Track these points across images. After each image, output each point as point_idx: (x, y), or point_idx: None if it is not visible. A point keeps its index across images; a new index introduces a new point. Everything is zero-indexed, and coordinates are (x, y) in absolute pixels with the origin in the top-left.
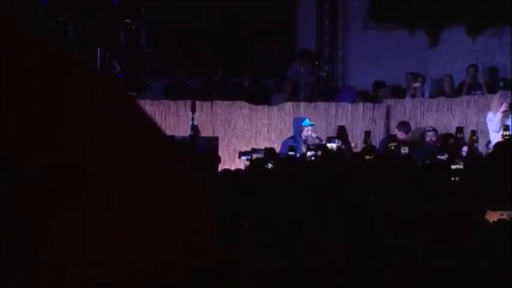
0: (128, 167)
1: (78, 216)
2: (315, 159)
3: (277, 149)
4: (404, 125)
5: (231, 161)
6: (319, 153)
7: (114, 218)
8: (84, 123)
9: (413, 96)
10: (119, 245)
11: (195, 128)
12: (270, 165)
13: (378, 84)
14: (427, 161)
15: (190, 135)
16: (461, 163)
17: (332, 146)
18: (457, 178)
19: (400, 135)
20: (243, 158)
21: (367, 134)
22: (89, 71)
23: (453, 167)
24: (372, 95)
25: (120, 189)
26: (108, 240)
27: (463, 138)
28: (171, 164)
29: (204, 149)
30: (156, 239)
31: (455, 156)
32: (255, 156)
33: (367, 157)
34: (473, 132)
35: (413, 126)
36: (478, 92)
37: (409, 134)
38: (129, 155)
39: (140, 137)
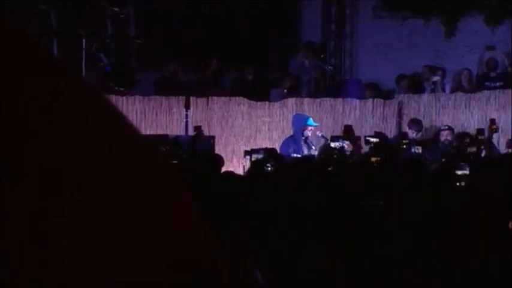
0: (108, 170)
1: (60, 221)
2: (318, 161)
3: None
4: (415, 123)
5: (229, 161)
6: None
7: (92, 229)
8: (68, 127)
9: (432, 91)
10: (95, 259)
11: (198, 129)
12: (269, 167)
13: (400, 79)
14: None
15: (192, 136)
16: (467, 168)
17: (336, 145)
18: (463, 183)
19: (411, 133)
20: (248, 158)
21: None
22: (72, 71)
23: (459, 172)
24: (385, 91)
25: (102, 195)
26: (86, 253)
27: (483, 140)
28: (157, 170)
29: (200, 149)
30: (137, 255)
31: (470, 161)
32: (254, 157)
33: (374, 159)
34: (493, 121)
35: (427, 124)
36: (497, 83)
37: (421, 133)
38: (111, 159)
39: (122, 140)
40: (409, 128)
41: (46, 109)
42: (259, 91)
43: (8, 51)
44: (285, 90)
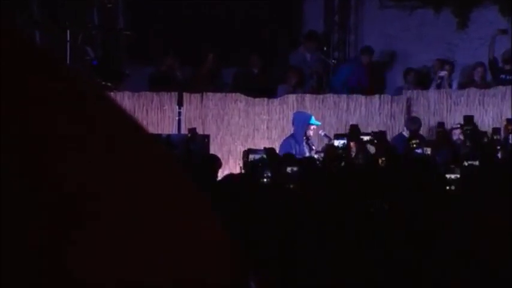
0: (124, 176)
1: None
2: (321, 163)
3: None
4: (414, 122)
5: (225, 162)
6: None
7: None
8: (76, 132)
9: (438, 86)
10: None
11: (192, 131)
12: (265, 178)
13: (407, 72)
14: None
15: (187, 137)
16: (458, 171)
17: (340, 144)
18: (453, 187)
19: (407, 134)
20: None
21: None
22: (72, 70)
23: (452, 176)
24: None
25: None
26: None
27: (499, 140)
28: (166, 173)
29: (194, 149)
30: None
31: (484, 162)
32: (251, 157)
33: (380, 160)
34: (509, 121)
35: (438, 122)
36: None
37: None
38: (125, 163)
39: (133, 143)
40: (407, 128)
41: (51, 114)
42: (269, 87)
43: (7, 52)
44: (292, 86)
